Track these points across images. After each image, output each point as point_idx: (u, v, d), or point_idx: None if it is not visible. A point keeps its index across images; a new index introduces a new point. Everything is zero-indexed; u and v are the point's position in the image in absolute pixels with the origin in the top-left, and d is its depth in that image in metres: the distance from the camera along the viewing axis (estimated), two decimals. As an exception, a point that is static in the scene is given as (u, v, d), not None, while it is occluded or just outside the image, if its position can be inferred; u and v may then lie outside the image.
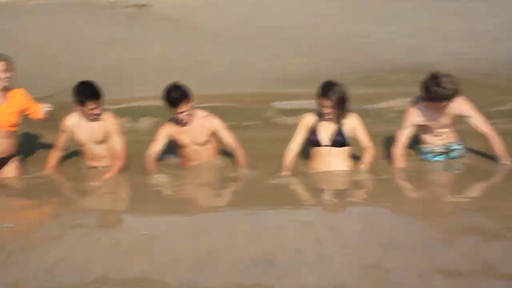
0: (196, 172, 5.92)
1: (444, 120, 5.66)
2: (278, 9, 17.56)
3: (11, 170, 5.94)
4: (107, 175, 5.79)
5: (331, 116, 5.46)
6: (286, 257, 3.52)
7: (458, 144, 5.91)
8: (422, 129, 5.78)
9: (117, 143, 5.89)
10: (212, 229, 4.11)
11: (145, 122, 8.07)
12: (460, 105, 5.54)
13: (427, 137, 5.86)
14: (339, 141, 5.55)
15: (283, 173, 5.59)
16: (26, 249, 3.83)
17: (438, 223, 4.15)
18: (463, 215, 4.32)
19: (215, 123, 5.84)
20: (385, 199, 4.83)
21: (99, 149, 6.00)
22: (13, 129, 5.80)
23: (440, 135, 5.80)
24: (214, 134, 5.87)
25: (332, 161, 5.59)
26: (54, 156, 6.07)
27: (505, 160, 5.49)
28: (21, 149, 6.26)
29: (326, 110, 5.42)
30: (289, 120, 7.69)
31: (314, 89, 5.55)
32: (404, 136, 5.71)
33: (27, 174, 6.03)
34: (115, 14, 19.39)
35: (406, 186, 5.57)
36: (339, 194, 5.37)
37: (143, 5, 22.50)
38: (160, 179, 5.76)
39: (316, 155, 5.64)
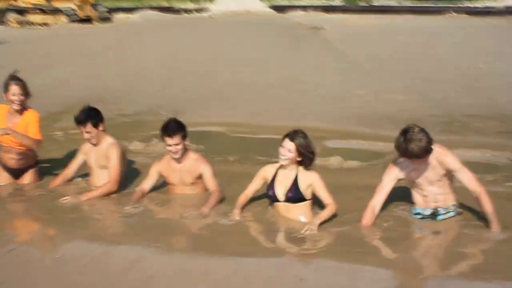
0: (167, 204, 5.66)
1: (431, 175, 4.92)
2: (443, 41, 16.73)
3: (28, 178, 6.22)
4: (90, 194, 5.74)
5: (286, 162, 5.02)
6: None
7: (449, 210, 5.08)
8: (412, 186, 5.12)
9: (112, 167, 5.84)
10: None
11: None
12: (442, 157, 4.87)
13: (417, 197, 5.14)
14: (292, 196, 5.07)
15: (233, 213, 5.20)
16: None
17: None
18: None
19: (203, 168, 5.66)
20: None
21: (104, 175, 5.97)
22: (23, 148, 6.06)
23: (428, 196, 5.04)
24: (201, 177, 5.69)
25: (289, 216, 5.11)
26: (63, 174, 6.17)
27: (494, 227, 4.71)
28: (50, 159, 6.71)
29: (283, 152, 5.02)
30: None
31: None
32: (381, 192, 5.04)
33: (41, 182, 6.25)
34: (291, 34, 20.09)
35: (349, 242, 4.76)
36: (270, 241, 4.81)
37: (319, 29, 23.30)
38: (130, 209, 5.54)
39: (275, 209, 5.26)
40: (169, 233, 4.90)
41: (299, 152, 5.01)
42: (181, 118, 8.80)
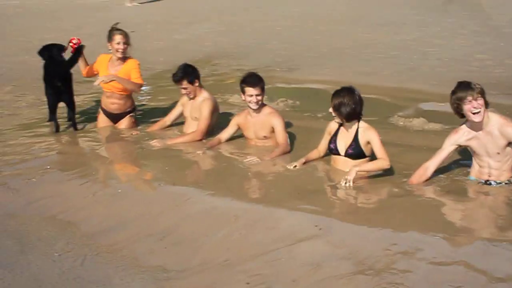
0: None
1: (491, 146, 4.83)
2: None
3: (125, 122, 6.94)
4: (176, 139, 6.35)
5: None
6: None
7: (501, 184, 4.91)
8: (473, 154, 5.03)
9: (202, 118, 6.34)
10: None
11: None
12: (504, 128, 4.74)
13: (474, 166, 5.08)
14: (353, 153, 5.22)
15: (296, 162, 5.45)
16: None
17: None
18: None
19: (275, 121, 5.94)
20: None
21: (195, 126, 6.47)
22: (126, 92, 6.77)
23: (484, 167, 4.93)
24: (273, 131, 5.99)
25: (347, 171, 5.20)
26: (161, 121, 6.83)
27: None
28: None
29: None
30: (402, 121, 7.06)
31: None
32: (438, 155, 5.03)
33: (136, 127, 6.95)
34: None
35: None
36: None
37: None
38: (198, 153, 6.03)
39: (334, 162, 5.47)
40: (220, 176, 5.32)
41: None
42: (292, 74, 9.27)
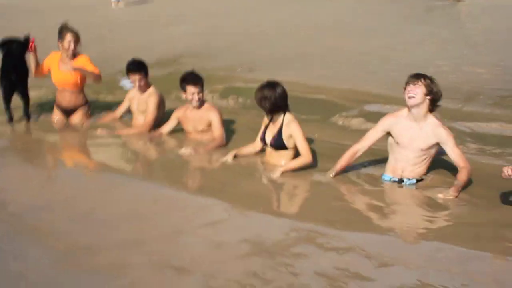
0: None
1: (417, 141, 5.08)
2: None
3: (77, 116, 7.23)
4: (123, 131, 6.74)
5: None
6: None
7: (412, 181, 5.19)
8: (392, 148, 5.26)
9: (149, 112, 6.68)
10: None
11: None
12: (437, 128, 5.04)
13: (389, 162, 5.30)
14: (275, 144, 5.49)
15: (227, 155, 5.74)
16: None
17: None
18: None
19: (212, 116, 6.25)
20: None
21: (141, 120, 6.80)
22: (77, 88, 7.09)
23: (399, 162, 5.19)
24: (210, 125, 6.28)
25: (271, 161, 5.61)
26: (111, 115, 7.18)
27: (452, 190, 4.81)
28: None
29: None
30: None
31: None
32: (367, 138, 5.32)
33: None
34: (427, 5, 19.60)
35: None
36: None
37: (458, 1, 22.32)
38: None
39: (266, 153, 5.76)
40: (152, 165, 5.64)
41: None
42: (251, 75, 9.53)
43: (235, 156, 5.68)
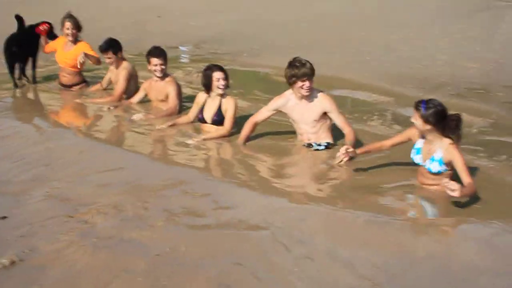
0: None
1: (308, 115, 5.84)
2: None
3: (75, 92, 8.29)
4: (99, 100, 7.72)
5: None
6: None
7: (321, 144, 5.92)
8: (293, 123, 6.05)
9: (118, 84, 7.62)
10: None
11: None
12: (322, 99, 5.80)
13: (298, 134, 6.10)
14: (217, 119, 6.30)
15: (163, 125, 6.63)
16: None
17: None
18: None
19: (169, 88, 7.18)
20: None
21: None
22: (76, 69, 8.24)
23: (303, 134, 6.00)
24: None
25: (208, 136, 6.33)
26: (97, 85, 8.27)
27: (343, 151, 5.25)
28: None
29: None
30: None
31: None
32: (261, 112, 6.13)
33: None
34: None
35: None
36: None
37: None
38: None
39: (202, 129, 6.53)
40: (100, 125, 6.83)
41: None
42: (252, 60, 10.35)
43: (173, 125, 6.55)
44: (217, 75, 6.24)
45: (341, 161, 5.15)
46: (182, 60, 11.28)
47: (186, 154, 5.88)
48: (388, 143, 5.32)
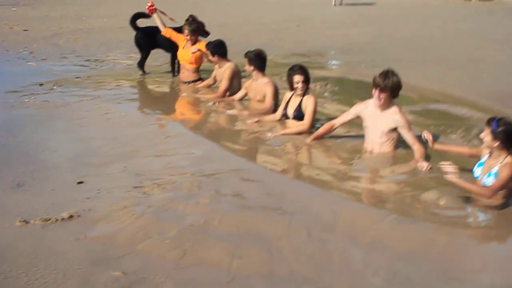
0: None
1: (380, 124, 5.97)
2: None
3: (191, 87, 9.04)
4: (207, 95, 8.39)
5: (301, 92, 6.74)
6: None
7: None
8: (364, 128, 6.20)
9: (222, 84, 8.22)
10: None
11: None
12: (395, 114, 5.91)
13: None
14: (296, 115, 6.73)
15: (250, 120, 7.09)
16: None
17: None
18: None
19: (267, 89, 7.53)
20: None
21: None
22: (194, 65, 9.10)
23: (369, 143, 6.14)
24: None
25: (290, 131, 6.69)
26: (206, 82, 8.94)
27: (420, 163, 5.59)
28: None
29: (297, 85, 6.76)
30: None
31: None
32: (343, 116, 6.37)
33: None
34: None
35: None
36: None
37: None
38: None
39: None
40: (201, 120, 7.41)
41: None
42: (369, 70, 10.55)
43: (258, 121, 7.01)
44: (296, 79, 6.64)
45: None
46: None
47: (257, 146, 6.33)
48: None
